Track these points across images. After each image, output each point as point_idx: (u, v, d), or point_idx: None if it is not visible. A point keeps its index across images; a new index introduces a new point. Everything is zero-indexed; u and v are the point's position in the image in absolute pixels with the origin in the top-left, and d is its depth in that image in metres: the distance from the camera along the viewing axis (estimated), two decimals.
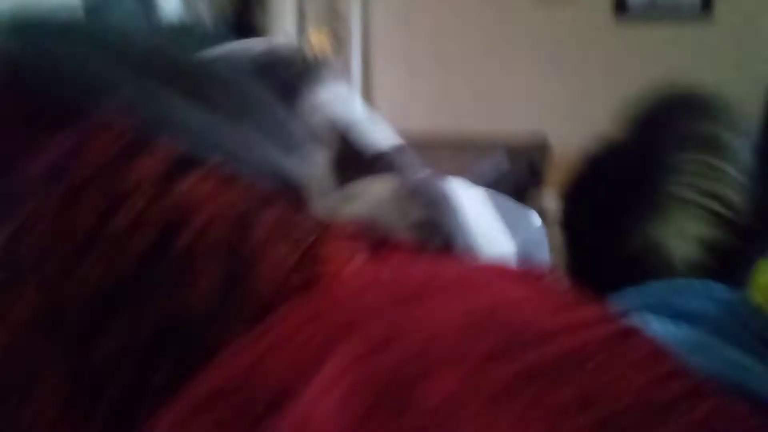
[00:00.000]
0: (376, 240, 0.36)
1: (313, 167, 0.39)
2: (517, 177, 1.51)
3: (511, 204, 0.54)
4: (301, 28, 3.44)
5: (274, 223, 0.33)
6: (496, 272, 0.37)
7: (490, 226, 0.48)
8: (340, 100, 0.45)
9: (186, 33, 0.49)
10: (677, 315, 0.42)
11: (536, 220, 0.58)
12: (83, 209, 0.31)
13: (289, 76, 0.44)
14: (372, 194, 0.39)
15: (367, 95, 3.37)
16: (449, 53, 3.20)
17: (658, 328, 0.40)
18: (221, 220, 0.32)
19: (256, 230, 0.33)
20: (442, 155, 1.70)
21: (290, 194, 0.35)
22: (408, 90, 3.25)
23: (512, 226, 0.50)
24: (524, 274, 0.38)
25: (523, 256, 0.49)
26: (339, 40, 3.38)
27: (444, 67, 3.22)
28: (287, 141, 0.38)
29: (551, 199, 2.11)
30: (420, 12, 3.23)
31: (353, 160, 0.42)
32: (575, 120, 2.29)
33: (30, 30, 0.36)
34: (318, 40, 3.37)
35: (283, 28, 3.47)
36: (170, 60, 0.38)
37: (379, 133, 0.45)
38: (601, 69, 2.96)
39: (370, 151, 0.42)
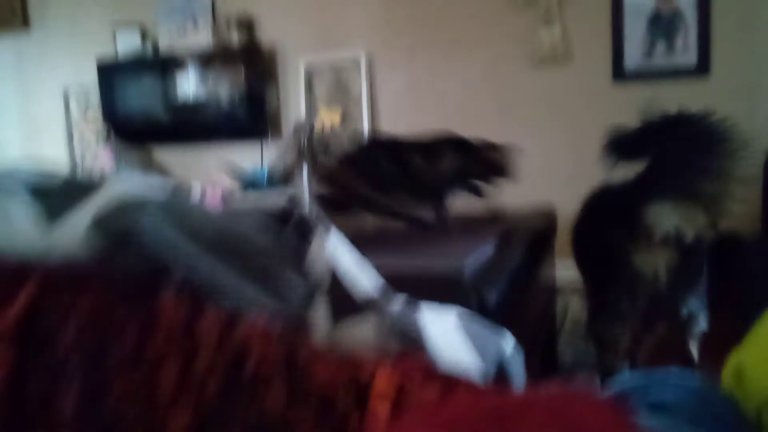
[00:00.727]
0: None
1: (316, 311, 0.49)
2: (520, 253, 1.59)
3: (483, 328, 0.61)
4: (311, 107, 3.64)
5: (311, 347, 0.42)
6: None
7: (459, 351, 0.56)
8: (337, 251, 0.56)
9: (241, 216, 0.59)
10: (655, 407, 0.49)
11: (509, 341, 0.65)
12: (167, 371, 0.38)
13: (300, 232, 0.55)
14: (359, 332, 0.49)
15: None
16: (452, 117, 3.34)
17: (639, 420, 0.47)
18: (272, 349, 0.40)
19: (301, 351, 0.41)
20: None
21: (303, 331, 0.46)
22: None
23: (482, 349, 0.57)
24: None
25: (494, 377, 0.57)
26: (349, 115, 3.57)
27: (448, 128, 3.34)
28: (296, 292, 0.48)
29: (561, 267, 2.20)
30: (423, 80, 3.41)
31: (346, 303, 0.52)
32: (578, 180, 2.38)
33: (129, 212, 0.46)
34: (328, 117, 3.56)
35: (296, 107, 3.68)
36: (231, 241, 0.48)
37: (367, 279, 0.55)
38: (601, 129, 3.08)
39: (359, 296, 0.53)
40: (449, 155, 1.83)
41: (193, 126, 3.86)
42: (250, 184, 3.78)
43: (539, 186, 2.77)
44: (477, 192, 1.85)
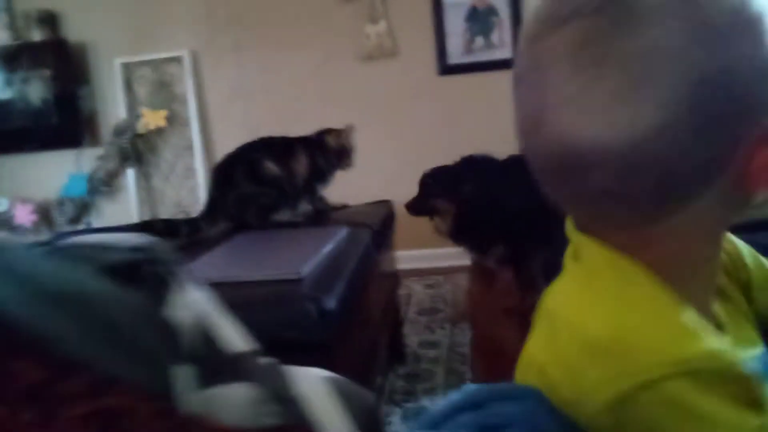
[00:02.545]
0: None
1: (179, 374, 0.43)
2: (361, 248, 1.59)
3: (351, 386, 0.58)
4: (132, 109, 3.39)
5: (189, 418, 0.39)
6: None
7: (334, 414, 0.53)
8: (198, 302, 0.49)
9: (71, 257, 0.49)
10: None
11: (369, 398, 0.63)
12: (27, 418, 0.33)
13: (156, 281, 0.47)
14: (231, 399, 0.44)
15: (211, 159, 3.38)
16: (284, 113, 3.29)
17: None
18: (148, 417, 0.36)
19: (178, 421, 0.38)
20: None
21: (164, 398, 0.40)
22: None
23: (352, 407, 0.54)
24: None
25: None
26: (178, 118, 3.38)
27: (282, 126, 3.29)
28: (155, 353, 0.42)
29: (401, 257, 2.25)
30: (252, 78, 3.31)
31: (213, 363, 0.46)
32: (408, 170, 2.44)
33: None
34: (153, 119, 3.34)
35: (114, 109, 3.41)
36: (79, 298, 0.40)
37: (233, 335, 0.50)
38: (429, 120, 3.20)
39: (227, 353, 0.47)
40: (300, 153, 1.88)
41: None
42: (68, 194, 3.46)
43: (373, 178, 2.80)
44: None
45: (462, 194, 2.00)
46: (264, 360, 0.50)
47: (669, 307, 0.42)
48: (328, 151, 1.95)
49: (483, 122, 3.16)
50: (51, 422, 0.34)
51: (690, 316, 0.42)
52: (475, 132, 3.16)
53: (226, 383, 0.45)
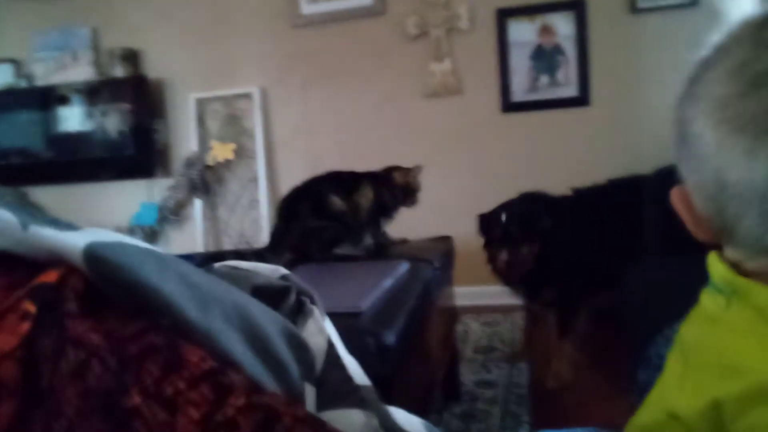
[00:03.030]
0: None
1: (308, 392, 0.47)
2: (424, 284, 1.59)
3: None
4: (204, 142, 3.53)
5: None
6: None
7: None
8: (328, 331, 0.54)
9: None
10: None
11: None
12: (186, 416, 0.36)
13: (296, 308, 0.54)
14: (347, 423, 0.46)
15: (275, 192, 3.46)
16: (348, 149, 3.35)
17: None
18: (301, 419, 0.38)
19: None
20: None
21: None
22: None
23: None
24: None
25: None
26: (245, 151, 3.50)
27: (344, 161, 3.35)
28: (295, 369, 0.46)
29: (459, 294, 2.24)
30: (317, 114, 3.40)
31: (334, 388, 0.49)
32: (470, 206, 2.43)
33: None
34: (221, 152, 3.46)
35: (187, 142, 3.56)
36: (241, 314, 0.44)
37: (353, 366, 0.53)
38: (492, 157, 3.20)
39: (347, 381, 0.51)
40: (366, 187, 1.90)
41: (76, 163, 3.62)
42: (139, 222, 3.60)
43: (434, 213, 2.80)
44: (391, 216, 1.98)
45: (543, 232, 2.03)
46: (374, 395, 0.52)
47: None
48: (394, 187, 1.97)
49: (546, 160, 3.13)
50: (219, 406, 0.37)
51: None
52: (538, 170, 3.14)
53: (342, 408, 0.48)
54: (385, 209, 1.95)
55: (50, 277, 0.39)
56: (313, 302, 0.55)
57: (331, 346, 0.52)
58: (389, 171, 2.01)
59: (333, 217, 1.82)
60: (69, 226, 0.44)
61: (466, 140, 3.24)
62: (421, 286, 1.53)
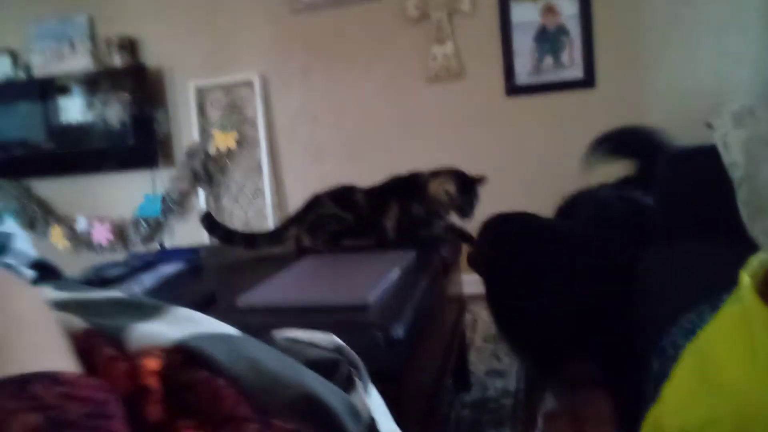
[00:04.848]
0: None
1: None
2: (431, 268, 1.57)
3: None
4: (205, 131, 3.50)
5: None
6: None
7: None
8: (375, 402, 0.57)
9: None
10: None
11: None
12: None
13: (347, 378, 0.58)
14: None
15: (278, 180, 3.44)
16: (351, 134, 3.32)
17: None
18: None
19: None
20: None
21: None
22: (315, 174, 3.33)
23: None
24: None
25: None
26: (247, 139, 3.46)
27: (347, 147, 3.33)
28: None
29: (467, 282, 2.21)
30: (319, 99, 3.36)
31: None
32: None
33: None
34: (223, 140, 3.43)
35: (188, 131, 3.52)
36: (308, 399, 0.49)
37: None
38: (496, 141, 3.15)
39: None
40: (392, 204, 1.77)
41: (78, 154, 3.59)
42: (143, 213, 3.58)
43: None
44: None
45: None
46: None
47: None
48: (430, 201, 1.76)
49: (551, 143, 3.09)
50: None
51: None
52: (543, 153, 3.10)
53: None
54: (413, 223, 1.77)
55: (153, 364, 0.45)
56: (359, 375, 0.60)
57: (375, 420, 0.55)
58: (429, 178, 1.79)
59: (351, 208, 1.78)
60: (156, 311, 0.52)
61: (470, 124, 3.20)
62: (429, 275, 1.50)
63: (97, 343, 0.45)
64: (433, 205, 1.75)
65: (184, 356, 0.46)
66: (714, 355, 0.46)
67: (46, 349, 0.40)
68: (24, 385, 0.34)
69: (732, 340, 0.44)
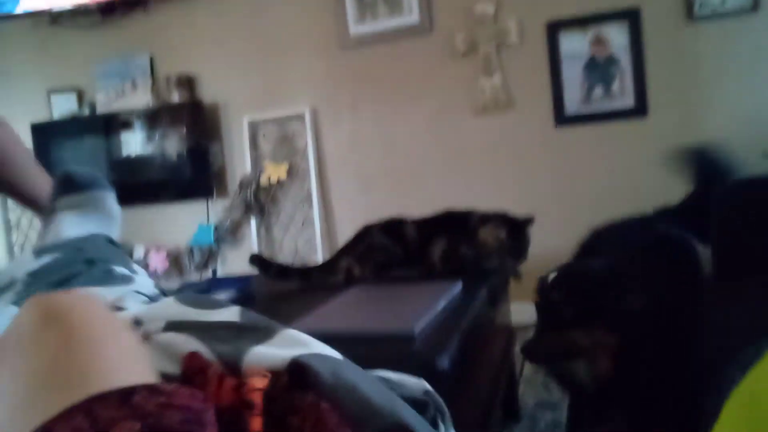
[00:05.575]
0: None
1: None
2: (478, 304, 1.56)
3: None
4: (257, 163, 3.60)
5: None
6: None
7: None
8: None
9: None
10: None
11: None
12: None
13: (433, 420, 0.61)
14: None
15: (327, 210, 3.49)
16: (399, 166, 3.35)
17: None
18: None
19: None
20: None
21: None
22: (363, 204, 3.38)
23: None
24: None
25: None
26: (298, 171, 3.54)
27: (395, 179, 3.36)
28: None
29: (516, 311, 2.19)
30: (368, 132, 3.41)
31: None
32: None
33: None
34: (275, 172, 3.52)
35: (241, 163, 3.63)
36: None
37: None
38: (546, 172, 3.13)
39: None
40: (440, 238, 1.77)
41: (136, 185, 3.75)
42: (197, 242, 3.68)
43: None
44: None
45: (627, 310, 1.20)
46: None
47: None
48: (480, 246, 1.74)
49: (601, 174, 3.05)
50: None
51: None
52: (593, 185, 3.06)
53: None
54: (461, 261, 1.74)
55: (259, 383, 0.48)
56: (443, 419, 0.62)
57: None
58: (480, 222, 1.76)
59: (400, 239, 1.79)
60: (268, 333, 0.56)
61: (519, 155, 3.19)
62: (476, 305, 1.50)
63: (208, 363, 0.49)
64: (482, 250, 1.74)
65: (290, 379, 0.48)
66: (762, 394, 0.45)
67: (129, 363, 0.43)
68: (127, 396, 0.37)
69: None
